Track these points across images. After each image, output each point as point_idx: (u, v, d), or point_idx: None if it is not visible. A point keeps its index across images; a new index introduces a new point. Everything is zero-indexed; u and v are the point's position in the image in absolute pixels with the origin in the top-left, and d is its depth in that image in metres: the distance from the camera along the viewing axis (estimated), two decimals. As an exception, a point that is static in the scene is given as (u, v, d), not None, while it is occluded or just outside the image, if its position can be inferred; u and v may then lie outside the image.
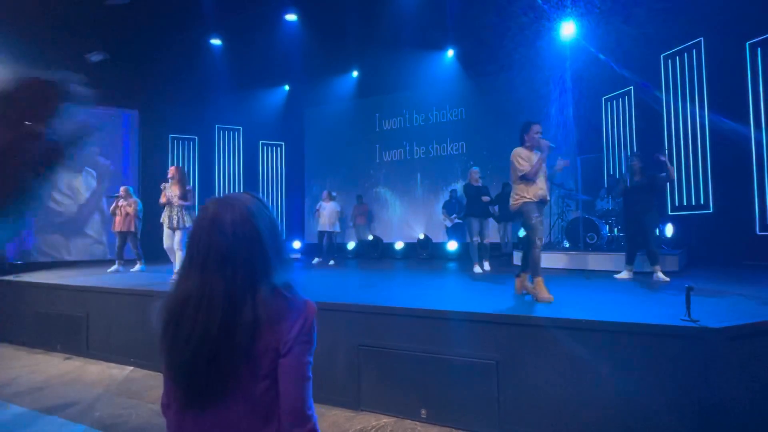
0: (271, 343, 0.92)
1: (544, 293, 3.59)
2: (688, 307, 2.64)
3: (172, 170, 5.72)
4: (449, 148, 10.88)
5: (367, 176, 11.81)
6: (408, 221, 11.10)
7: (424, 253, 9.55)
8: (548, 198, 4.04)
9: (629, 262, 5.21)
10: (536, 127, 4.10)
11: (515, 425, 2.88)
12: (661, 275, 4.84)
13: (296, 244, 11.47)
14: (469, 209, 6.34)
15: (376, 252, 10.17)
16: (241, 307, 0.91)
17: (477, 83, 10.42)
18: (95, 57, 8.77)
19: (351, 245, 10.79)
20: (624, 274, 5.16)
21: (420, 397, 3.18)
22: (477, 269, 6.21)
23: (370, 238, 10.46)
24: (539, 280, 3.68)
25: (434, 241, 9.79)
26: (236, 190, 12.14)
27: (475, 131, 10.54)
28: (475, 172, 6.51)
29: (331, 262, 8.40)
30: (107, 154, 10.22)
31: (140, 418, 3.34)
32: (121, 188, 7.19)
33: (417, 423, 3.16)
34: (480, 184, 6.45)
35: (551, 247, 7.70)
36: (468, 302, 3.79)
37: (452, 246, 8.83)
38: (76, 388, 4.00)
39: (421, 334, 3.26)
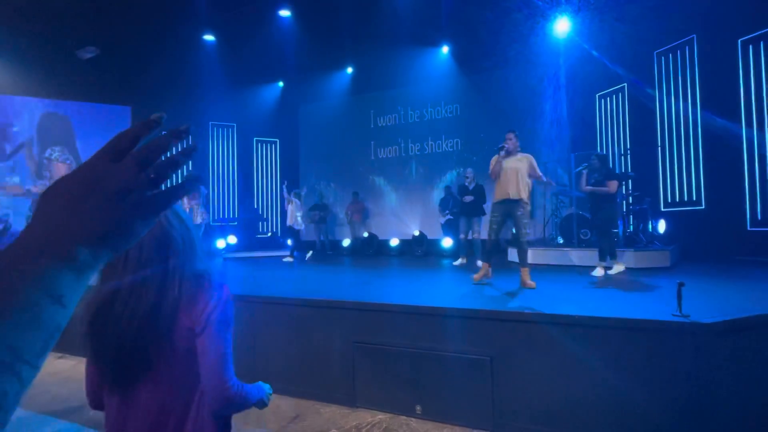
0: (185, 324, 0.99)
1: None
2: (680, 303, 2.68)
3: None
4: (444, 145, 10.89)
5: (362, 173, 11.80)
6: (403, 218, 11.10)
7: (420, 249, 9.56)
8: (517, 197, 4.36)
9: (601, 258, 5.32)
10: (507, 135, 4.61)
11: (509, 420, 2.91)
12: (600, 271, 5.05)
13: (289, 242, 11.45)
14: (459, 207, 6.83)
15: (372, 249, 10.17)
16: (169, 288, 0.99)
17: (472, 80, 10.42)
18: (87, 53, 8.67)
19: (346, 242, 10.79)
20: (597, 271, 5.17)
21: (415, 394, 3.20)
22: (458, 261, 6.79)
23: (366, 234, 10.46)
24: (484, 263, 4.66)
25: (429, 237, 9.81)
26: (231, 188, 12.09)
27: (470, 128, 10.55)
28: (468, 172, 6.88)
29: (289, 259, 8.51)
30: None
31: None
32: None
33: (412, 419, 3.18)
34: (471, 184, 6.66)
35: (545, 243, 7.74)
36: (462, 298, 3.81)
37: (447, 243, 8.85)
38: (70, 387, 3.97)
39: (416, 330, 3.27)
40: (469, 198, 6.49)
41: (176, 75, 9.98)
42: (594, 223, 5.50)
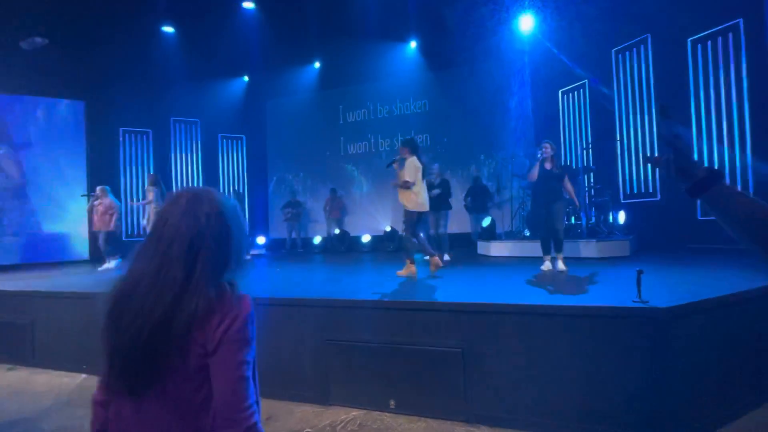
0: (199, 340, 0.89)
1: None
2: (639, 289, 2.79)
3: (150, 179, 6.70)
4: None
5: (332, 169, 11.68)
6: (374, 214, 11.08)
7: (391, 245, 9.58)
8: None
9: (547, 251, 4.98)
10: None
11: (481, 410, 2.96)
12: (561, 264, 4.80)
13: (260, 240, 11.21)
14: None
15: (343, 246, 10.11)
16: (190, 297, 0.89)
17: (439, 75, 10.51)
18: (32, 43, 8.10)
19: (317, 239, 10.67)
20: (547, 264, 4.90)
21: (388, 388, 3.20)
22: (426, 257, 6.59)
23: (337, 231, 10.38)
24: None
25: (401, 233, 9.84)
26: (195, 186, 11.68)
27: (439, 123, 10.65)
28: (434, 168, 6.88)
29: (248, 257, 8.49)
30: (49, 149, 9.53)
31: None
32: (98, 188, 7.30)
33: (386, 414, 3.18)
34: (437, 179, 6.67)
35: (512, 236, 7.93)
36: (433, 292, 3.84)
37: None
38: (22, 400, 3.73)
39: (387, 325, 3.27)
40: (435, 192, 6.45)
41: (134, 68, 9.50)
42: (554, 214, 4.94)
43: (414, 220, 4.77)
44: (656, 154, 0.85)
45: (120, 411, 0.93)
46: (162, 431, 0.91)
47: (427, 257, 4.84)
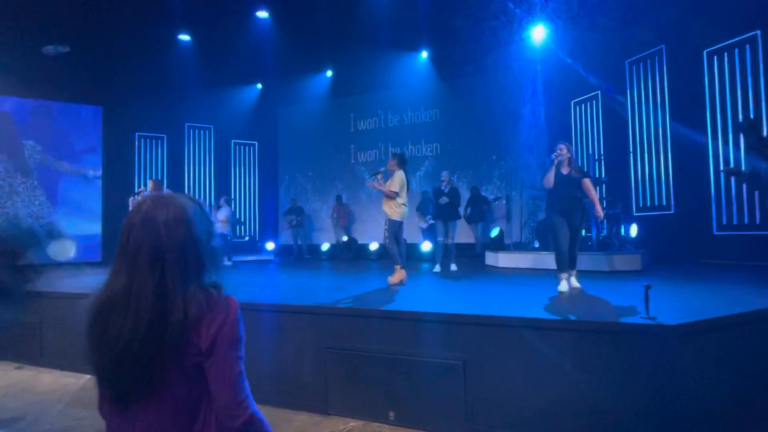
0: (194, 341, 0.92)
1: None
2: (647, 305, 2.71)
3: (152, 184, 6.19)
4: (424, 149, 10.94)
5: (342, 177, 11.73)
6: (383, 222, 11.05)
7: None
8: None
9: (563, 267, 4.22)
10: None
11: (481, 425, 2.89)
12: (575, 281, 4.26)
13: (270, 246, 11.27)
14: (435, 211, 6.64)
15: (351, 253, 10.10)
16: (171, 305, 0.91)
17: (451, 85, 10.51)
18: (55, 50, 8.35)
19: (325, 246, 10.68)
20: (564, 285, 4.17)
21: (388, 400, 3.15)
22: (436, 268, 6.52)
23: (345, 238, 10.38)
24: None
25: (409, 242, 9.80)
26: (208, 191, 11.84)
27: (449, 133, 10.63)
28: (443, 175, 6.68)
29: (230, 263, 8.67)
30: (67, 153, 9.77)
31: (94, 429, 3.17)
32: (150, 181, 6.74)
33: (385, 425, 3.12)
34: (447, 188, 6.53)
35: (522, 247, 7.83)
36: (436, 303, 3.79)
37: (426, 246, 8.86)
38: (27, 399, 3.77)
39: (389, 335, 3.23)
40: (444, 200, 6.37)
41: (151, 75, 9.72)
42: (574, 226, 4.26)
43: (397, 228, 5.03)
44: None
45: (116, 422, 0.95)
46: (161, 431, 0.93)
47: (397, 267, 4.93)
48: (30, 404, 3.65)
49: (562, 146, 4.33)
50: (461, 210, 7.36)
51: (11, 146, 9.24)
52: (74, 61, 8.86)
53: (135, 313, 0.89)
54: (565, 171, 4.30)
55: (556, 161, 4.27)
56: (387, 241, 5.00)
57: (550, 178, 4.26)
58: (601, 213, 4.39)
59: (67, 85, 9.47)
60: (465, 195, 9.34)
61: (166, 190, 7.58)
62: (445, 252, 6.54)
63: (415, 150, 10.98)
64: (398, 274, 4.95)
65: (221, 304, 0.96)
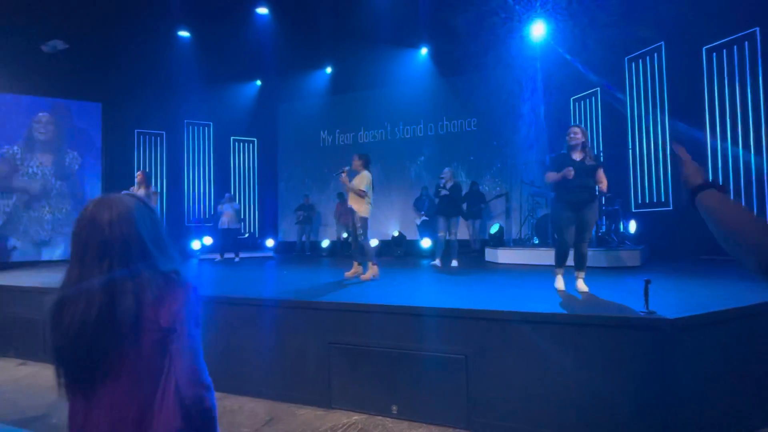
0: (153, 323, 1.00)
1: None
2: (647, 300, 2.75)
3: (139, 175, 6.04)
4: (423, 145, 10.96)
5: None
6: (382, 219, 11.09)
7: (399, 250, 9.58)
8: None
9: (561, 263, 3.94)
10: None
11: (483, 418, 2.93)
12: (582, 284, 3.82)
13: (270, 242, 11.29)
14: (438, 206, 6.66)
15: (351, 250, 10.12)
16: (120, 294, 0.99)
17: (450, 82, 10.52)
18: (52, 47, 8.33)
19: (325, 243, 10.71)
20: (560, 282, 3.94)
21: (391, 393, 3.18)
22: (436, 262, 6.62)
23: (345, 236, 10.40)
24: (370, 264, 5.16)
25: (408, 238, 9.84)
26: (207, 188, 11.84)
27: (448, 130, 10.65)
28: (445, 172, 6.66)
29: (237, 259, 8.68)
30: (67, 149, 9.76)
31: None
32: (138, 173, 6.34)
33: (388, 419, 3.16)
34: (448, 183, 6.52)
35: (521, 243, 7.87)
36: (438, 298, 3.83)
37: (426, 243, 8.90)
38: (32, 394, 3.79)
39: (392, 330, 3.26)
40: (444, 192, 6.40)
41: (149, 71, 9.71)
42: (586, 220, 3.78)
43: (367, 225, 5.25)
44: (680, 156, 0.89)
45: (80, 405, 1.02)
46: (121, 412, 1.00)
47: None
48: (36, 400, 3.67)
49: (576, 129, 3.85)
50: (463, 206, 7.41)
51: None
52: (73, 57, 8.83)
53: (85, 304, 0.98)
54: (578, 157, 3.77)
55: (570, 144, 3.80)
56: (363, 238, 5.18)
57: (560, 174, 3.73)
58: (605, 186, 3.86)
59: (66, 82, 9.44)
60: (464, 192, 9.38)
61: (153, 188, 7.48)
62: (447, 247, 6.59)
63: (414, 145, 10.99)
64: (371, 271, 5.13)
65: (181, 286, 1.06)
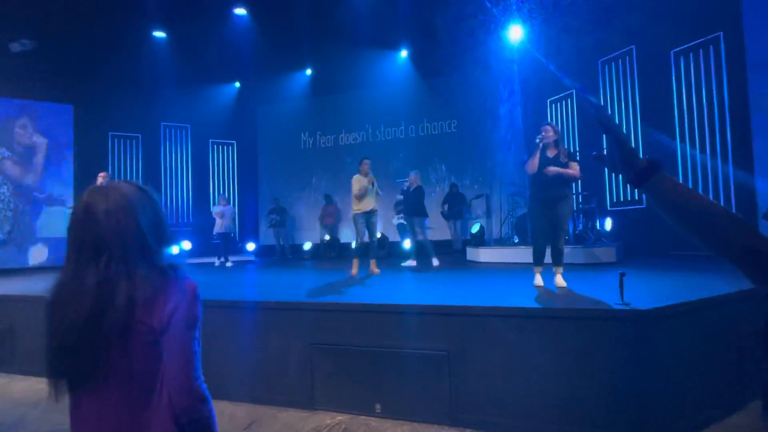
0: (146, 323, 0.94)
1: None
2: (622, 292, 2.83)
3: (102, 176, 5.91)
4: (403, 148, 11.01)
5: (323, 176, 11.68)
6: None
7: (382, 251, 9.58)
8: (374, 209, 5.86)
9: (539, 261, 3.99)
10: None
11: (466, 414, 2.95)
12: (560, 279, 3.86)
13: (250, 246, 11.13)
14: (402, 208, 6.98)
15: (333, 252, 10.08)
16: (113, 292, 0.92)
17: (430, 84, 10.62)
18: (20, 46, 8.03)
19: (307, 246, 10.63)
20: (538, 279, 3.98)
21: (374, 392, 3.18)
22: (409, 262, 6.76)
23: (327, 238, 10.35)
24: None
25: (391, 239, 9.86)
26: (185, 192, 11.60)
27: (429, 131, 10.74)
28: (411, 176, 6.89)
29: (229, 264, 8.54)
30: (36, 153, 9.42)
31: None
32: (99, 176, 6.10)
33: (371, 418, 3.15)
34: (411, 187, 6.73)
35: (501, 242, 7.99)
36: (418, 296, 3.84)
37: (407, 244, 8.93)
38: (1, 406, 3.63)
39: (373, 329, 3.26)
40: (399, 197, 6.72)
41: (124, 72, 9.45)
42: (559, 216, 3.84)
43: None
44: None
45: (72, 413, 0.97)
46: (114, 417, 0.94)
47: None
48: (4, 411, 3.52)
49: (548, 127, 3.92)
50: (426, 206, 7.57)
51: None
52: (42, 57, 8.53)
53: (78, 303, 0.91)
54: (551, 154, 3.86)
55: (540, 144, 3.85)
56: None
57: (534, 163, 3.81)
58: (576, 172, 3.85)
59: (35, 83, 9.12)
60: (441, 193, 9.53)
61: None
62: (419, 248, 6.64)
63: (395, 147, 11.04)
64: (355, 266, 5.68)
65: (177, 284, 0.98)
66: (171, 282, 0.98)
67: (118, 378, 0.94)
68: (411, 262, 6.73)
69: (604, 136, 0.82)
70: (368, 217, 5.79)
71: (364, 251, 5.96)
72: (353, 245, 5.61)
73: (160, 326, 0.94)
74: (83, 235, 0.95)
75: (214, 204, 11.94)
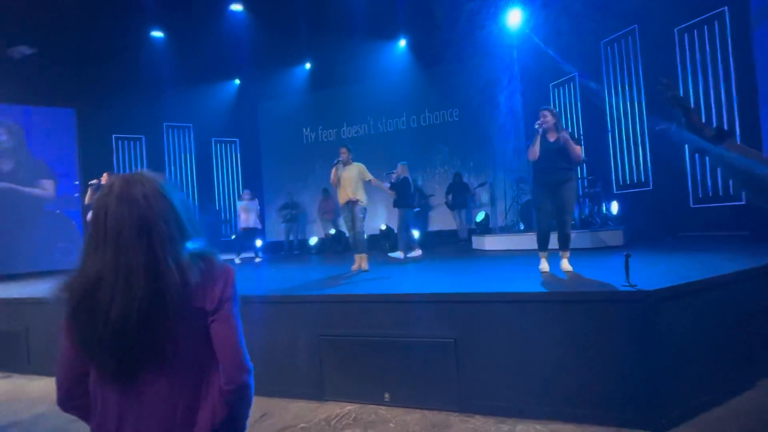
0: (199, 304, 0.98)
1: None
2: (627, 273, 2.81)
3: (105, 178, 5.81)
4: (405, 139, 10.95)
5: (326, 170, 11.64)
6: (370, 213, 11.07)
7: (387, 243, 9.59)
8: (353, 200, 5.65)
9: (543, 247, 3.97)
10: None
11: (474, 399, 2.97)
12: (566, 264, 3.86)
13: (258, 243, 11.17)
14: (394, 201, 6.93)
15: (340, 246, 10.10)
16: (166, 273, 0.93)
17: (430, 73, 10.52)
18: (20, 52, 8.08)
19: (313, 240, 10.66)
20: (544, 264, 3.95)
21: (383, 382, 3.21)
22: (397, 254, 6.72)
23: (332, 231, 10.37)
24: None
25: (396, 231, 9.84)
26: (189, 191, 11.66)
27: (431, 121, 10.67)
28: (398, 167, 7.01)
29: (258, 259, 8.63)
30: (40, 158, 9.52)
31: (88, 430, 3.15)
32: (105, 175, 6.09)
33: (381, 407, 3.19)
34: (398, 179, 6.82)
35: (507, 229, 7.96)
36: (425, 285, 3.85)
37: (416, 234, 8.92)
38: (17, 407, 3.72)
39: (380, 319, 3.28)
40: (389, 187, 6.69)
41: (124, 73, 9.47)
42: (564, 201, 3.80)
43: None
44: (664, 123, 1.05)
45: (115, 399, 0.95)
46: (168, 399, 0.95)
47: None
48: (22, 411, 3.60)
49: (546, 112, 3.88)
50: (417, 197, 7.67)
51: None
52: (44, 62, 8.58)
53: (126, 287, 0.90)
54: (551, 138, 3.83)
55: (540, 130, 3.83)
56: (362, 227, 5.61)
57: (535, 149, 3.80)
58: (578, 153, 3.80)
59: (37, 88, 9.18)
60: (444, 182, 9.50)
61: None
62: (405, 239, 6.76)
63: (398, 138, 10.98)
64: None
65: (220, 267, 1.03)
66: (214, 265, 1.02)
67: (175, 361, 0.95)
68: (398, 254, 6.69)
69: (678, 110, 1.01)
70: (349, 208, 5.57)
71: (364, 244, 5.84)
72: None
73: (212, 308, 0.99)
74: (121, 219, 0.93)
75: (218, 202, 12.06)
